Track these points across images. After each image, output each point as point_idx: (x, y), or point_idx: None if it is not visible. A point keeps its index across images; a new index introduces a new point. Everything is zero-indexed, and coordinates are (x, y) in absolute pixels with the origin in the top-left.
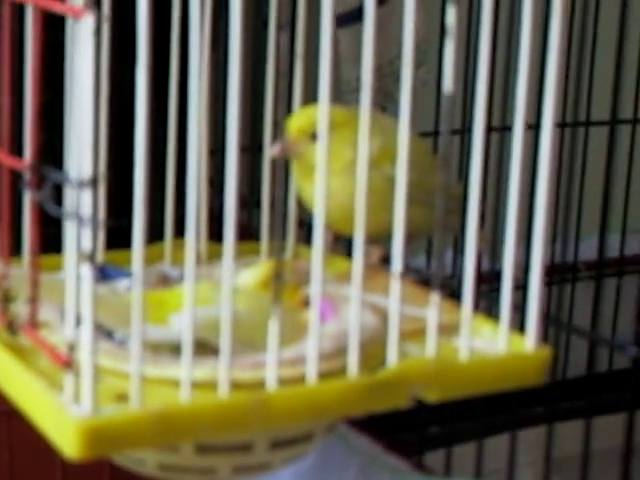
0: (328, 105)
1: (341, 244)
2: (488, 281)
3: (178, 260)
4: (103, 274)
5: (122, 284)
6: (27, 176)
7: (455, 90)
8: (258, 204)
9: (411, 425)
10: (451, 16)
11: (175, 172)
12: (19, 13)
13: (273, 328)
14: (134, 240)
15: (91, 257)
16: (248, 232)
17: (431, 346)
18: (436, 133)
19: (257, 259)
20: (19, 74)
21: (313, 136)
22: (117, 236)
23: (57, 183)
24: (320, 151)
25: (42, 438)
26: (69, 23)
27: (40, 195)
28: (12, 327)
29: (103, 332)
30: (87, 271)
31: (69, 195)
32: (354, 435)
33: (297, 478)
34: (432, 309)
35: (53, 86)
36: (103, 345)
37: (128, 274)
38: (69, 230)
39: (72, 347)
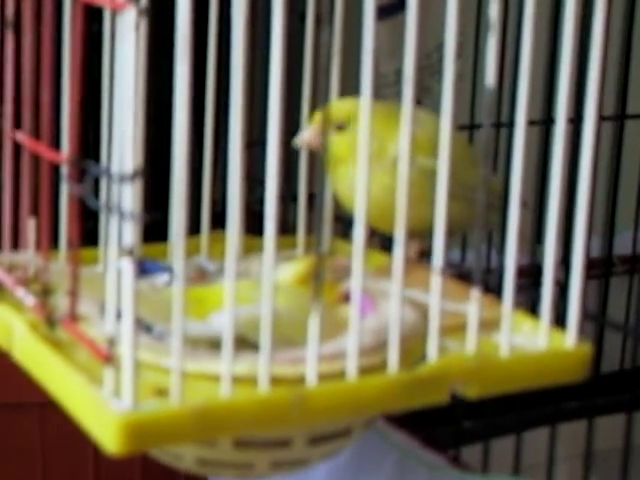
0: (369, 101)
1: (377, 238)
2: (527, 275)
3: (214, 253)
4: (142, 268)
5: (161, 279)
6: (67, 170)
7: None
8: (294, 198)
9: (447, 419)
10: (494, 10)
11: (211, 164)
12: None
13: (313, 324)
14: (175, 236)
15: (132, 252)
16: (284, 225)
17: (471, 342)
18: (472, 126)
19: (294, 253)
20: (57, 66)
21: (336, 128)
22: (152, 229)
23: (96, 177)
24: (362, 149)
25: (74, 429)
26: (107, 16)
27: (81, 189)
28: (51, 321)
29: (142, 326)
30: (128, 265)
31: (107, 189)
32: (391, 430)
33: (333, 472)
34: (472, 305)
35: (87, 79)
36: (142, 339)
37: (166, 269)
38: (110, 224)
39: (112, 342)
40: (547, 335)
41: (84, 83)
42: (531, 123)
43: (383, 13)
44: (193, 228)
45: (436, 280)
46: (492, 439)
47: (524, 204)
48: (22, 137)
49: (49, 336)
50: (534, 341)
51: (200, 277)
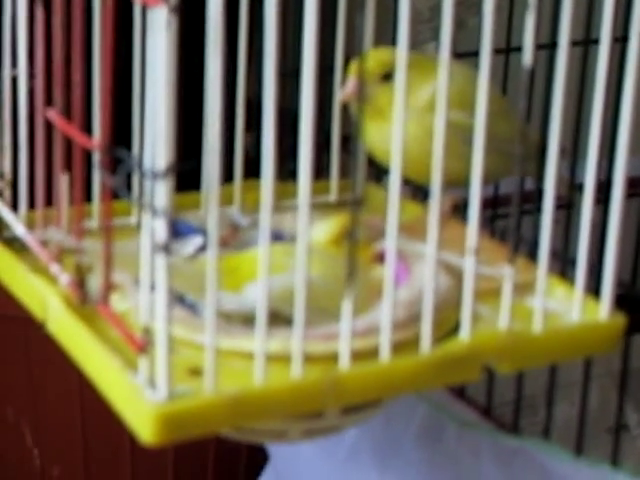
0: (405, 47)
1: (408, 187)
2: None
3: (247, 203)
4: (174, 230)
5: (194, 242)
6: (99, 157)
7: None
8: (327, 140)
9: None
10: None
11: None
12: None
13: (347, 303)
14: (210, 214)
15: (165, 247)
16: (318, 169)
17: (504, 318)
18: (508, 50)
19: (327, 199)
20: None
21: (383, 77)
22: (184, 177)
23: (130, 170)
24: (398, 96)
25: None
26: (137, 6)
27: (114, 181)
28: (86, 301)
29: (175, 297)
30: (161, 260)
31: (139, 182)
32: None
33: (361, 426)
34: (507, 280)
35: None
36: (176, 312)
37: (199, 231)
38: (143, 218)
39: (147, 331)
40: (580, 307)
41: (115, 71)
42: (573, 44)
43: None
44: (225, 175)
45: (470, 260)
46: None
47: (562, 150)
48: (53, 116)
49: (82, 310)
50: (567, 308)
51: (232, 233)
